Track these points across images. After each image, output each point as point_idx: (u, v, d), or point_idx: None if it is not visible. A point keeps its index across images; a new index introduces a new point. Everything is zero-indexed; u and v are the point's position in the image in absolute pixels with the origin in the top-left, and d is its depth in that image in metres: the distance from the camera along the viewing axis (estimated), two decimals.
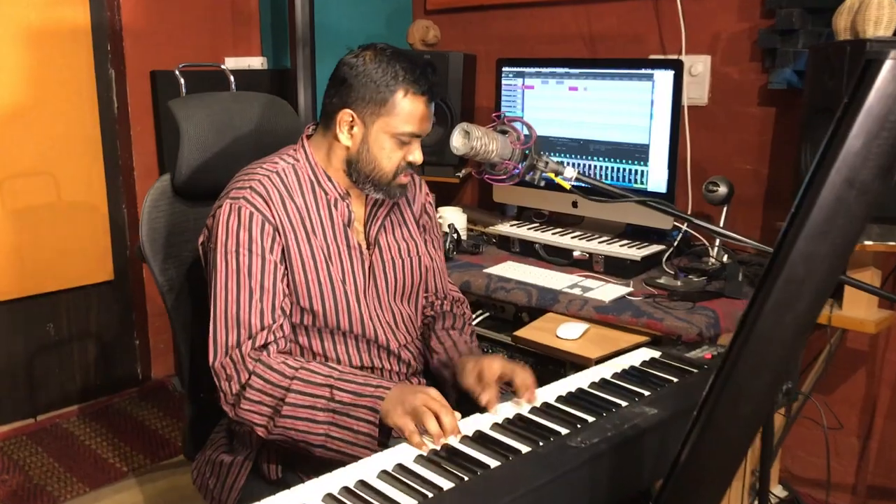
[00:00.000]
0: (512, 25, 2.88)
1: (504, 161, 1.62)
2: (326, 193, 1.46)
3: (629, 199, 1.59)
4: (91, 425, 2.93)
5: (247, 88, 2.93)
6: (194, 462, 1.56)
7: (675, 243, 2.17)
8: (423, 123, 1.43)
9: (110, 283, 3.07)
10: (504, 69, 2.46)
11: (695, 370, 1.39)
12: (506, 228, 2.38)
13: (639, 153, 2.19)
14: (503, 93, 2.47)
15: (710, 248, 2.15)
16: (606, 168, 2.26)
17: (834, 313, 1.94)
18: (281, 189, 1.42)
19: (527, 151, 1.64)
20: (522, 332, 1.86)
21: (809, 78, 1.94)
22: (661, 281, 2.00)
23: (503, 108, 2.46)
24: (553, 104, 2.36)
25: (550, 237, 2.25)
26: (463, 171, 2.77)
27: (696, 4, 2.36)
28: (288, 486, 1.06)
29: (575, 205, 2.32)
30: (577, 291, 1.94)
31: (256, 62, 3.26)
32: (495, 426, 1.20)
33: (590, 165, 2.30)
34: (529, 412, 1.24)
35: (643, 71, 2.15)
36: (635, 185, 2.20)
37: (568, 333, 1.79)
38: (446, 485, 1.03)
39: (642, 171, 2.19)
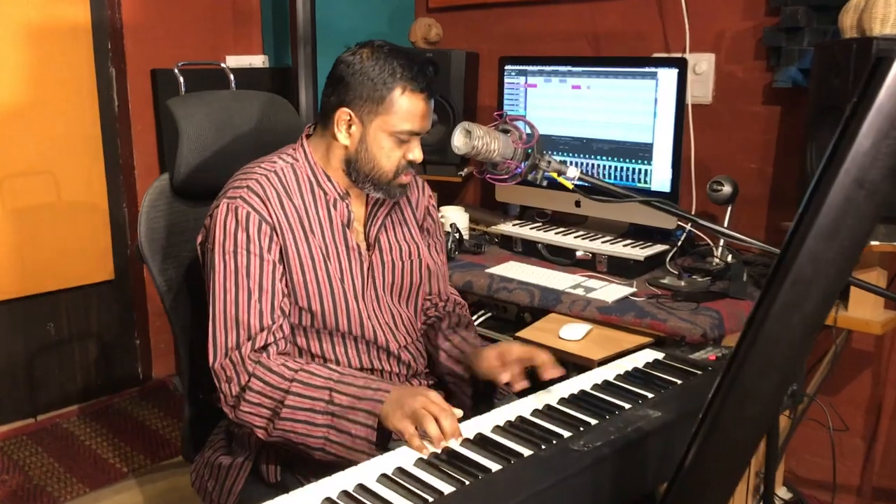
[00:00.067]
0: (515, 23, 2.86)
1: (506, 160, 1.60)
2: (326, 193, 1.45)
3: (632, 198, 1.57)
4: (91, 425, 2.92)
5: (248, 87, 2.92)
6: (193, 464, 1.55)
7: (679, 243, 2.16)
8: (422, 121, 1.41)
9: (111, 283, 3.06)
10: (506, 67, 2.45)
11: (699, 372, 1.38)
12: (508, 228, 2.36)
13: (642, 152, 2.17)
14: (506, 91, 2.46)
15: (714, 248, 2.14)
16: (610, 167, 2.25)
17: (839, 314, 1.92)
18: (279, 188, 1.40)
19: (529, 151, 1.62)
20: (525, 333, 1.84)
21: (815, 76, 1.92)
22: (665, 281, 1.99)
23: (506, 107, 2.45)
24: (556, 103, 2.34)
25: (553, 237, 2.24)
26: (465, 171, 2.75)
27: (700, 2, 2.34)
28: (287, 489, 1.05)
29: (578, 204, 2.31)
30: (579, 292, 1.93)
31: (258, 60, 3.25)
32: (496, 429, 1.18)
33: (593, 165, 2.28)
34: (531, 414, 1.22)
35: (647, 69, 2.13)
36: (639, 185, 2.19)
37: (571, 334, 1.78)
38: (447, 489, 1.01)
39: (646, 171, 2.17)
